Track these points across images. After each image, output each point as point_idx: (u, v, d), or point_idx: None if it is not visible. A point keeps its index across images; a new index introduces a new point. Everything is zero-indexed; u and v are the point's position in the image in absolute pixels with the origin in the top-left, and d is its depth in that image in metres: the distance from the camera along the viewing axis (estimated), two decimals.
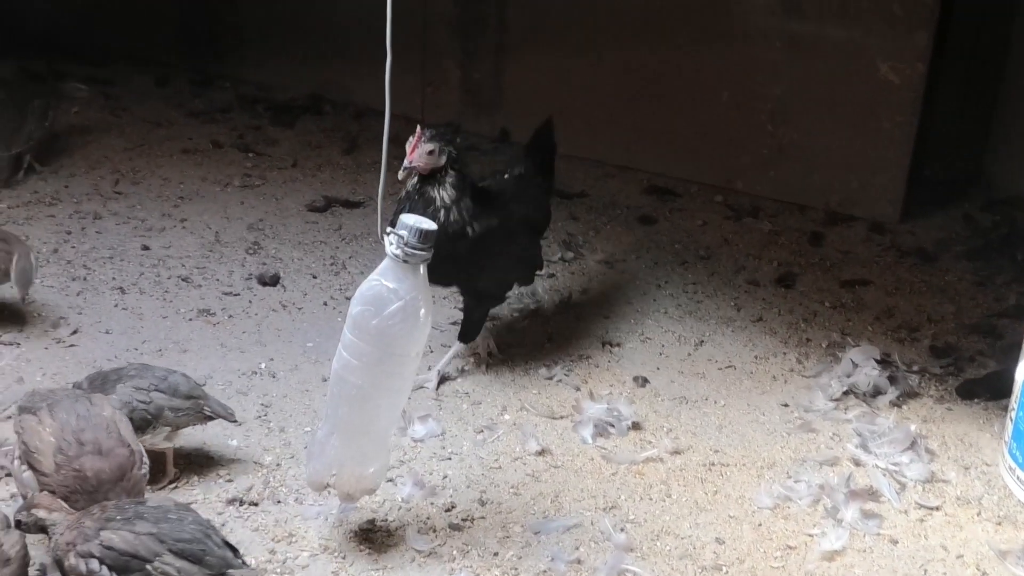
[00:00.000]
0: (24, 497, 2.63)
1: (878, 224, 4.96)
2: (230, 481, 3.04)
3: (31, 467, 2.60)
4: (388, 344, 2.61)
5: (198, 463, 3.09)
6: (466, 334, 3.62)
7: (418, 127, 3.16)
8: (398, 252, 2.56)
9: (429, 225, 2.58)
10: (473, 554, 2.82)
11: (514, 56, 5.57)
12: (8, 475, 2.88)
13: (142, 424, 2.86)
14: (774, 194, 5.16)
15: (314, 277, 4.24)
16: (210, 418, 3.02)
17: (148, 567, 2.31)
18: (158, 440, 2.95)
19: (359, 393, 2.66)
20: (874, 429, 3.42)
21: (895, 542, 2.95)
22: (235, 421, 3.09)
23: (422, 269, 2.61)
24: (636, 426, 3.40)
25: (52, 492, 2.53)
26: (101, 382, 2.96)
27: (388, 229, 2.60)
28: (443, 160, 3.25)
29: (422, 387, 3.49)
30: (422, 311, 2.63)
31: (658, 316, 4.13)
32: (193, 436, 3.16)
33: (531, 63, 5.52)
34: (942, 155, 5.16)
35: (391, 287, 2.59)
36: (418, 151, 3.18)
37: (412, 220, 2.57)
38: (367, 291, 2.62)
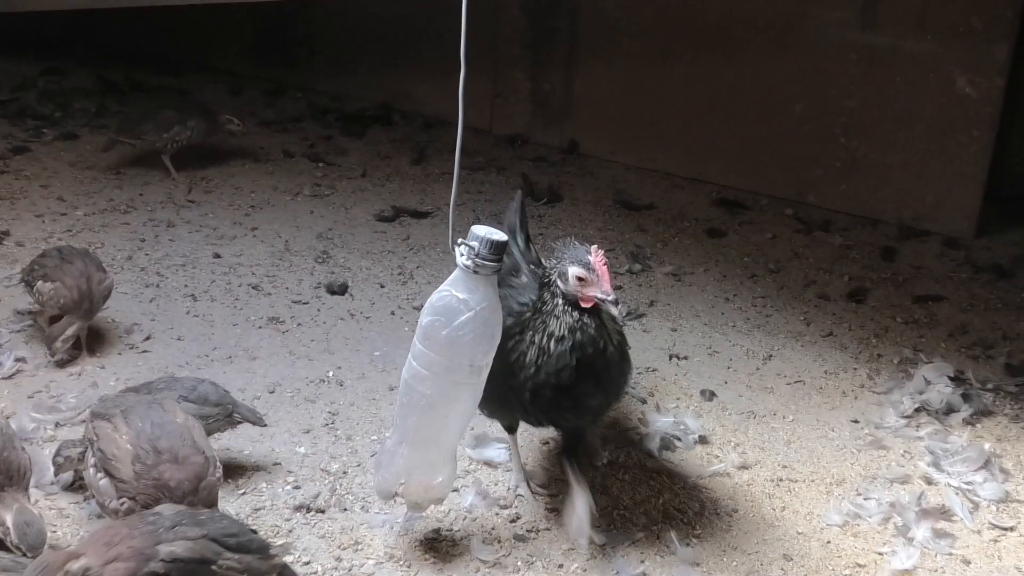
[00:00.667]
0: (102, 505, 2.67)
1: (952, 239, 4.88)
2: (297, 488, 3.06)
3: (108, 474, 2.64)
4: (458, 354, 2.62)
5: (265, 470, 3.11)
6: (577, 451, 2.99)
7: (593, 248, 2.64)
8: (469, 263, 2.57)
9: (500, 236, 2.58)
10: (538, 565, 2.81)
11: (584, 67, 5.57)
12: (75, 469, 2.92)
13: None
14: (846, 208, 5.11)
15: (382, 286, 4.27)
16: (239, 423, 3.09)
17: (213, 568, 2.32)
18: None
19: (428, 403, 2.67)
20: (947, 447, 3.36)
21: (968, 562, 2.90)
22: (264, 424, 3.15)
23: (492, 280, 2.61)
24: (703, 440, 3.37)
25: (132, 499, 2.57)
26: (132, 392, 3.01)
27: (459, 240, 2.61)
28: None
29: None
30: (493, 322, 2.63)
31: (726, 330, 4.09)
32: (261, 443, 3.19)
33: (601, 74, 5.51)
34: (1019, 171, 5.07)
35: (462, 298, 2.60)
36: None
37: (483, 231, 2.57)
38: (437, 302, 2.63)
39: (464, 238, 2.59)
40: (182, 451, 2.61)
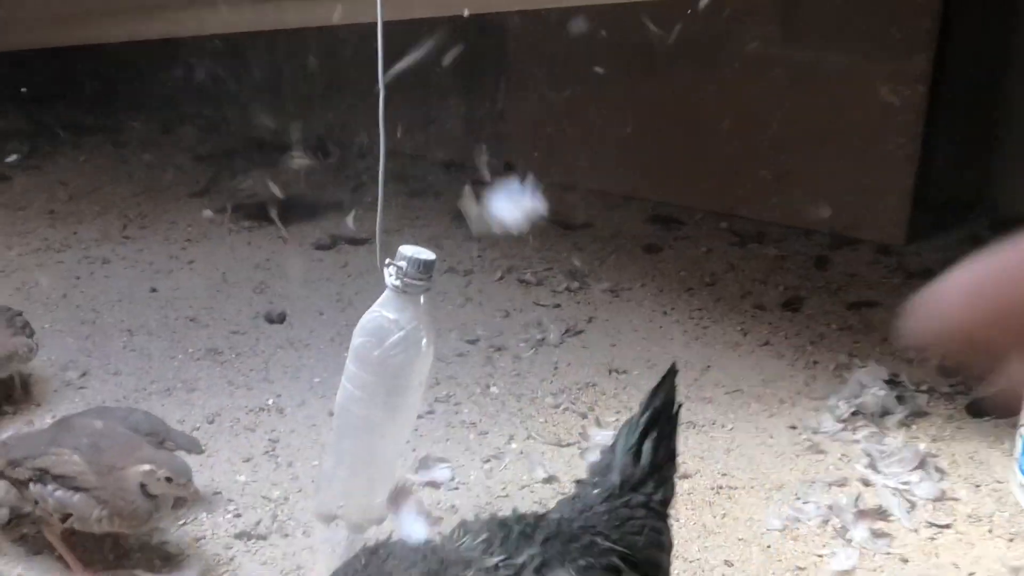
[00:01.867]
0: (85, 520, 2.69)
1: (884, 247, 4.96)
2: (238, 516, 3.04)
3: (78, 489, 2.66)
4: (391, 374, 2.63)
5: (206, 499, 3.09)
6: None
7: None
8: (397, 283, 2.58)
9: (428, 255, 2.60)
10: None
11: (516, 92, 5.61)
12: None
13: None
14: (779, 219, 5.17)
15: (320, 314, 4.27)
16: (174, 451, 3.04)
17: None
18: None
19: (364, 424, 2.67)
20: (883, 449, 3.41)
21: (906, 561, 2.94)
22: (200, 452, 3.12)
23: (422, 300, 2.63)
24: None
25: (106, 503, 2.63)
26: (66, 427, 2.95)
27: (388, 260, 2.62)
28: None
29: None
30: (423, 340, 2.64)
31: (664, 343, 4.13)
32: (201, 473, 3.17)
33: (533, 99, 5.56)
34: (946, 176, 5.16)
35: (392, 318, 2.61)
36: None
37: (411, 251, 2.59)
38: (368, 323, 2.64)
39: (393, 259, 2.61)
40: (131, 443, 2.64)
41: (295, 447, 3.37)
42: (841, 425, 3.57)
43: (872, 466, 3.34)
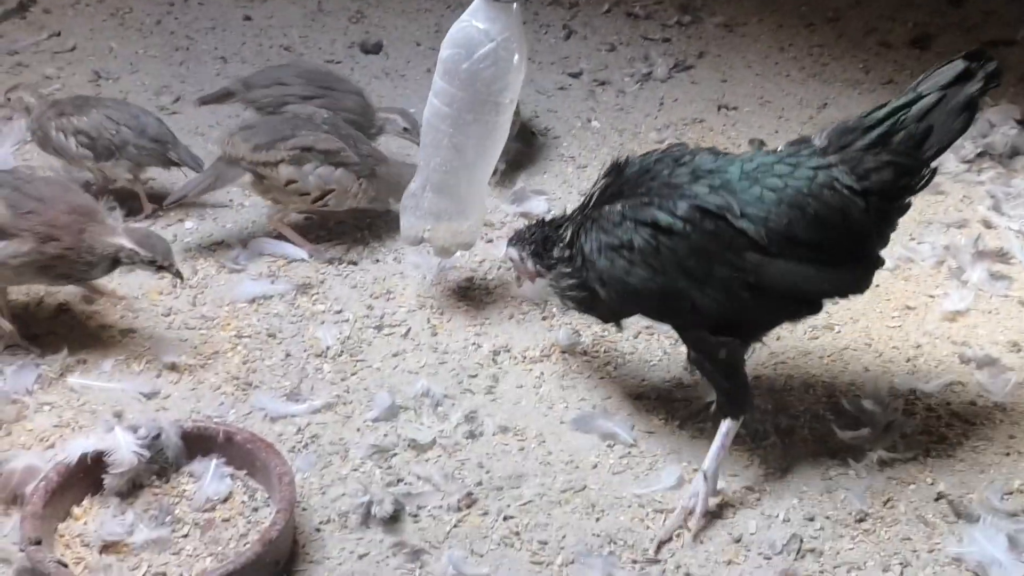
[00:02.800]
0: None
1: None
2: (329, 242, 2.99)
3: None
4: (480, 89, 2.48)
5: (302, 225, 3.05)
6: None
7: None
8: None
9: None
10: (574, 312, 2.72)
11: None
12: None
13: (105, 153, 2.98)
14: None
15: (417, 44, 4.11)
16: (176, 164, 3.07)
17: None
18: (120, 172, 3.04)
19: (451, 143, 2.55)
20: (1009, 191, 3.19)
21: None
22: (200, 169, 3.03)
23: (515, 9, 2.44)
24: None
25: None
26: (82, 103, 3.07)
27: None
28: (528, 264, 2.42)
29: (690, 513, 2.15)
30: (516, 55, 2.47)
31: (779, 79, 3.89)
32: None
33: None
34: None
35: (482, 27, 2.44)
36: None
37: None
38: (457, 33, 2.48)
39: None
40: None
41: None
42: (966, 166, 3.34)
43: (996, 207, 3.13)
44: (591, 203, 2.24)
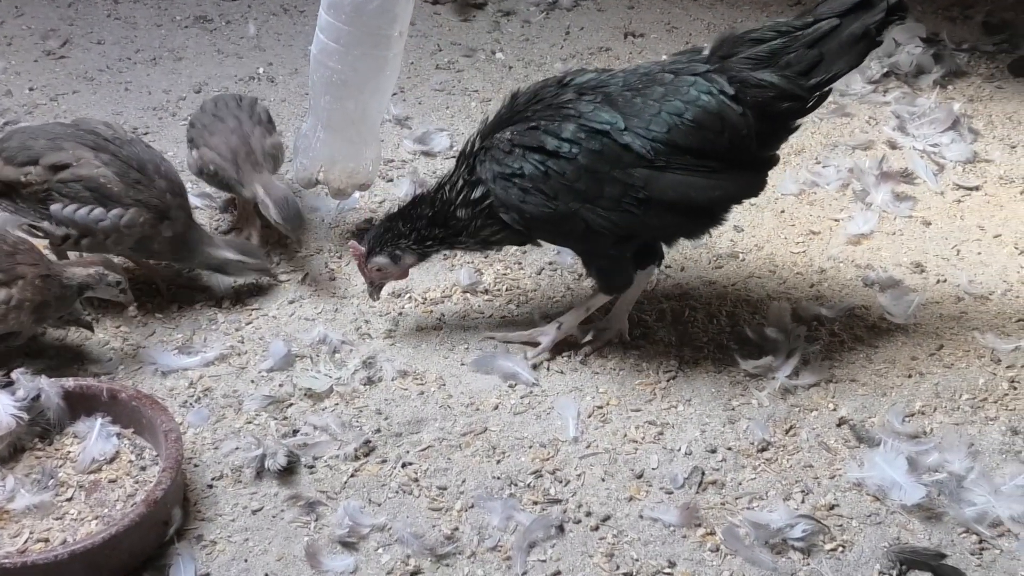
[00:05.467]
0: None
1: None
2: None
3: None
4: (367, 22, 2.38)
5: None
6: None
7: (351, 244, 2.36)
8: None
9: None
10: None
11: None
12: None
13: None
14: None
15: None
16: None
17: None
18: None
19: (340, 79, 2.46)
20: (914, 110, 3.17)
21: (928, 224, 2.75)
22: None
23: None
24: None
25: None
26: None
27: None
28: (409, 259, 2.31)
29: (537, 343, 2.36)
30: None
31: (686, 4, 3.84)
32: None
33: None
34: None
35: None
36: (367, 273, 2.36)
37: None
38: None
39: None
40: None
41: (284, 116, 3.18)
42: (871, 87, 3.32)
43: (901, 128, 3.12)
44: (487, 132, 2.19)
